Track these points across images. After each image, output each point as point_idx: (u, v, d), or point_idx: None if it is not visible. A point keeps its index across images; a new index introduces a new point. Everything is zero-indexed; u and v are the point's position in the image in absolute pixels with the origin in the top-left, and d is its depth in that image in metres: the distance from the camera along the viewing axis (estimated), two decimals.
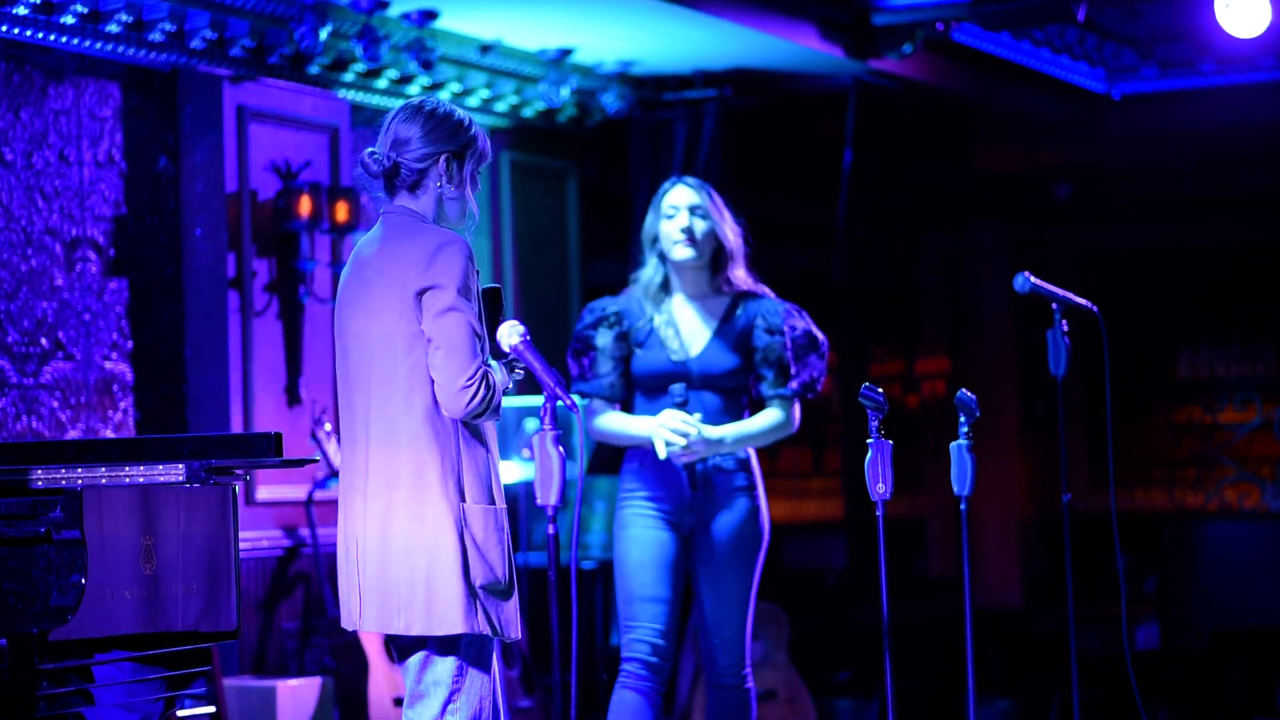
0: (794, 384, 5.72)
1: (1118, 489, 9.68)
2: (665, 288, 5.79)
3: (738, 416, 5.71)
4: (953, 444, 5.29)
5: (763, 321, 5.74)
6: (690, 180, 5.81)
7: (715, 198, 5.78)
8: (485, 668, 4.32)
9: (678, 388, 5.66)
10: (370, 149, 4.39)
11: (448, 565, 4.24)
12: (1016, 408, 12.76)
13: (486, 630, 4.26)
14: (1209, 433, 12.64)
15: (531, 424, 7.82)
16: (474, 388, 4.21)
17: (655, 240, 5.76)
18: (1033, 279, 5.78)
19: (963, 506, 5.33)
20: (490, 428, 4.40)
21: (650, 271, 5.78)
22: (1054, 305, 5.84)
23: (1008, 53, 9.27)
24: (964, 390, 5.31)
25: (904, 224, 9.28)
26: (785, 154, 10.68)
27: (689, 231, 5.69)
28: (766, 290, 5.82)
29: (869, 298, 11.85)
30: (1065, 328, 5.86)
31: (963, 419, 5.30)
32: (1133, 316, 12.45)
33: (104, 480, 4.34)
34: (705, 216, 5.71)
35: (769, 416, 5.72)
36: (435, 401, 4.27)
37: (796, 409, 5.77)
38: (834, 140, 9.08)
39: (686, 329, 5.75)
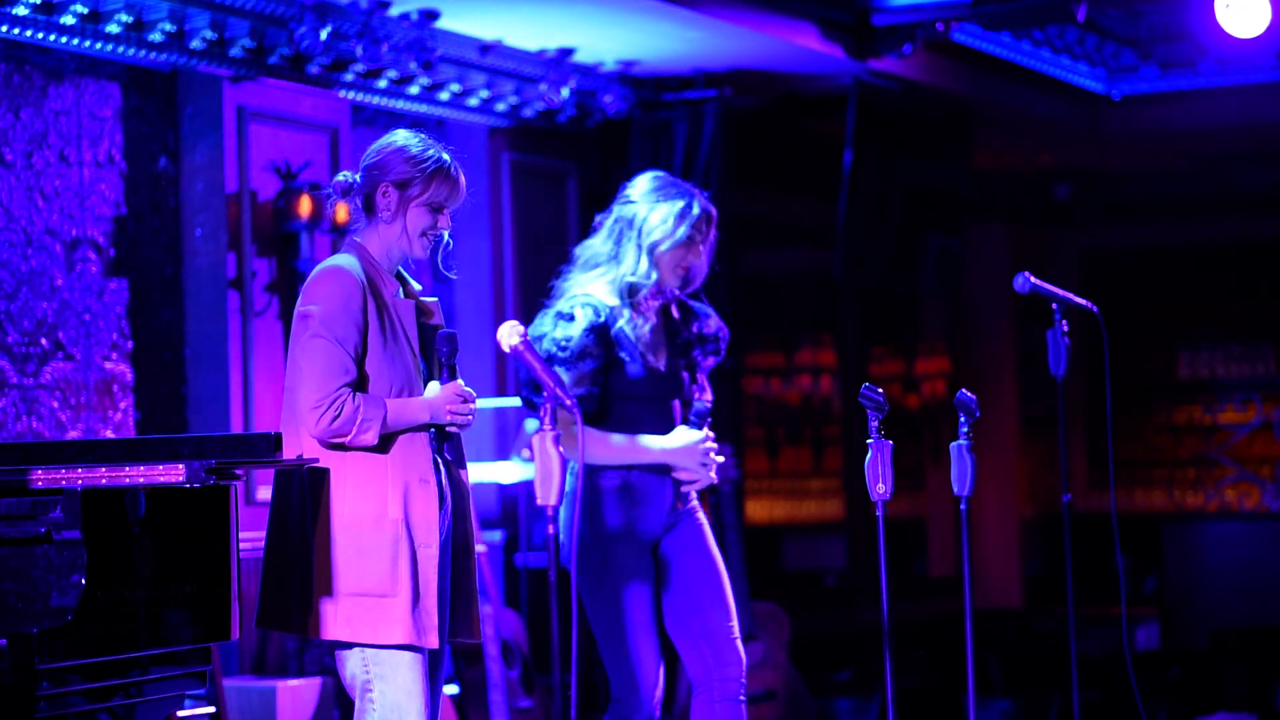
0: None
1: (1118, 489, 9.68)
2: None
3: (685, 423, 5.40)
4: (953, 444, 5.28)
5: (697, 328, 5.44)
6: (713, 207, 5.42)
7: None
8: (395, 664, 4.39)
9: (701, 405, 5.30)
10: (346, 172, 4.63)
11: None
12: (1016, 408, 12.75)
13: (343, 637, 4.38)
14: (1209, 433, 12.63)
15: (531, 424, 7.82)
16: (320, 411, 4.36)
17: (661, 245, 5.32)
18: (1033, 279, 5.77)
19: (963, 506, 5.32)
20: (417, 437, 4.41)
21: (643, 271, 5.33)
22: (1054, 305, 5.84)
23: (1008, 53, 9.27)
24: (964, 390, 5.30)
25: (904, 224, 9.27)
26: (785, 154, 10.68)
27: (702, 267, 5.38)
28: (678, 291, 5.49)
29: (869, 298, 11.84)
30: (1065, 328, 5.85)
31: (963, 419, 5.29)
32: (1133, 316, 12.45)
33: (104, 481, 4.33)
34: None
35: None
36: None
37: None
38: (834, 140, 9.08)
39: (651, 336, 5.36)
